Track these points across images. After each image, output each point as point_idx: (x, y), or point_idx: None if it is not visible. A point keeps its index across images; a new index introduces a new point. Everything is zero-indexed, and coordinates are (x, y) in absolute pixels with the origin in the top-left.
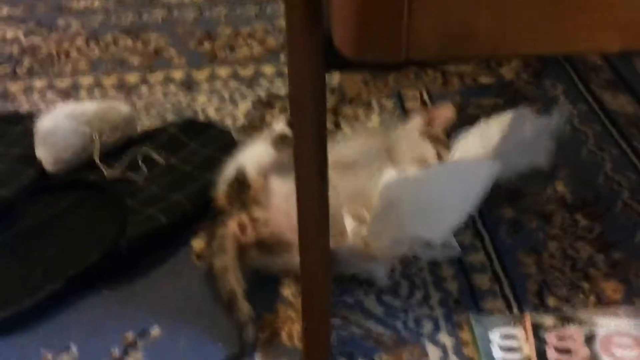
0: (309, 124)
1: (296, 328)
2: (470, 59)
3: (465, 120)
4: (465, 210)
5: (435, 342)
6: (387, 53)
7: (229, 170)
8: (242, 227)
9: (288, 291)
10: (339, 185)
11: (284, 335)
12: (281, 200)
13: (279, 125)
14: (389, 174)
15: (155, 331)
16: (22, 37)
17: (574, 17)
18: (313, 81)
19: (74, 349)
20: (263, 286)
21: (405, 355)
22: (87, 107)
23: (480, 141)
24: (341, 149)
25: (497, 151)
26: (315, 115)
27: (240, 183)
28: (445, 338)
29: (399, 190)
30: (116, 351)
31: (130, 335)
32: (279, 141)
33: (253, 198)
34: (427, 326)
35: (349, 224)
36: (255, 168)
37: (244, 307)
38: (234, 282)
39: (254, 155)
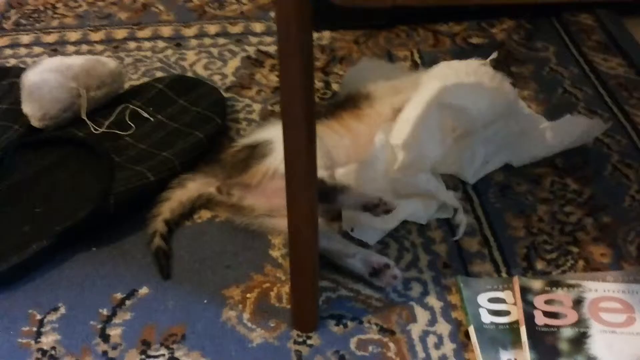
0: (297, 83)
1: (285, 290)
2: (458, 5)
3: None
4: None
5: (424, 305)
6: None
7: (252, 137)
8: (219, 190)
9: (277, 253)
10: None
11: (272, 296)
12: (268, 190)
13: None
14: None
15: (143, 290)
16: None
17: None
18: (301, 37)
19: (62, 308)
20: (251, 248)
21: (393, 317)
22: (74, 61)
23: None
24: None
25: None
26: (303, 74)
27: (245, 162)
28: (433, 301)
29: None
30: (104, 311)
31: (118, 295)
32: None
33: (241, 182)
34: (416, 289)
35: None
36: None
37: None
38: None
39: None
